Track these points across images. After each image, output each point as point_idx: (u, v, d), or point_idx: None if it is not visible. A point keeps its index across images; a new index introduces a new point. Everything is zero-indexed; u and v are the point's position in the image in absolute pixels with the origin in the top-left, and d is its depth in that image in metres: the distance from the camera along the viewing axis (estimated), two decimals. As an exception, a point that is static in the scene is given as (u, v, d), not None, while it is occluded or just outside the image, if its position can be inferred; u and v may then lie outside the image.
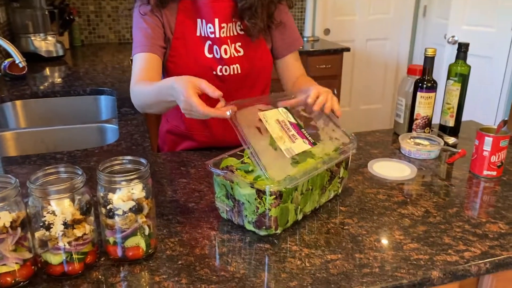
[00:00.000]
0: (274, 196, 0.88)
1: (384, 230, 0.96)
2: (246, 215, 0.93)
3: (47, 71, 2.54)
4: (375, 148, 1.40)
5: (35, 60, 2.68)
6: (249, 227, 0.94)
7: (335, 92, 3.37)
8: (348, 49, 3.33)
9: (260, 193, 0.89)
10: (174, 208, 1.05)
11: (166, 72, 1.34)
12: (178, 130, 1.44)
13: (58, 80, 2.34)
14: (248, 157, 1.00)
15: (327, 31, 3.85)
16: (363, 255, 0.88)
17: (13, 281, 0.78)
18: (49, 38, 2.74)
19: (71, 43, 3.22)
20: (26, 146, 1.65)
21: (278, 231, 0.93)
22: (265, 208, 0.89)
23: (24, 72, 2.27)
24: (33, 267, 0.81)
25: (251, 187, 0.90)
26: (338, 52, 3.31)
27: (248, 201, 0.91)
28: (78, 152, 1.36)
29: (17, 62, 1.63)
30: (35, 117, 2.03)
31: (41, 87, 2.15)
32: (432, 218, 1.01)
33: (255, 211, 0.91)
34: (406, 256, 0.87)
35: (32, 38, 2.70)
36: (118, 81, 2.26)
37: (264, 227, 0.91)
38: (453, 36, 3.19)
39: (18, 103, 2.01)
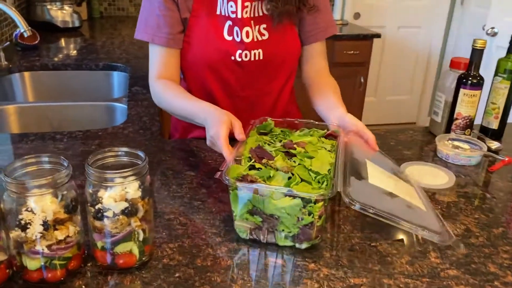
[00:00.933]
0: (322, 202, 0.76)
1: (417, 250, 0.82)
2: (283, 230, 0.78)
3: (61, 42, 2.43)
4: (408, 149, 1.25)
5: (50, 30, 2.58)
6: (285, 242, 0.80)
7: (362, 80, 3.19)
8: (378, 35, 3.14)
9: (304, 201, 0.76)
10: (177, 206, 0.93)
11: (182, 54, 1.20)
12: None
13: (71, 52, 2.23)
14: (254, 161, 0.85)
15: (357, 15, 3.65)
16: (392, 281, 0.74)
17: (-19, 287, 0.67)
18: (66, 7, 2.63)
19: (89, 15, 3.11)
20: (29, 121, 1.55)
21: (320, 239, 0.82)
22: (313, 218, 0.76)
23: (36, 42, 2.17)
24: (7, 270, 0.70)
25: (294, 197, 0.75)
26: (368, 38, 3.12)
27: (288, 214, 0.76)
28: (80, 133, 1.25)
29: (22, 31, 1.51)
30: (43, 91, 1.93)
31: (52, 59, 2.04)
32: (474, 239, 0.87)
33: (296, 223, 0.77)
34: (444, 286, 0.74)
35: (48, 7, 2.59)
36: (134, 57, 2.14)
37: (307, 240, 0.79)
38: (492, 28, 2.96)
39: (27, 74, 1.91)
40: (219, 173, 0.78)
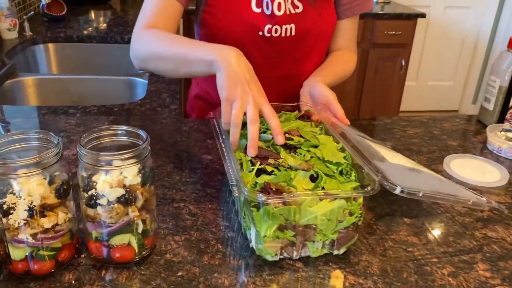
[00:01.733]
0: (362, 198, 0.65)
1: (462, 260, 0.70)
2: (320, 239, 0.66)
3: (89, 14, 2.37)
4: (453, 139, 1.11)
5: (79, 2, 2.52)
6: (321, 252, 0.68)
7: (403, 63, 3.00)
8: (423, 15, 2.92)
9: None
10: (189, 193, 0.83)
11: (201, 26, 1.09)
12: (208, 97, 1.21)
13: (98, 25, 2.16)
14: (260, 164, 0.71)
15: (400, -6, 3.43)
16: (431, 297, 0.63)
17: (-41, 277, 0.60)
18: (97, -21, 2.55)
19: (121, -13, 3.03)
20: (48, 94, 1.49)
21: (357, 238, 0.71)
22: (356, 218, 0.65)
23: (63, 13, 2.11)
24: (-9, 258, 0.63)
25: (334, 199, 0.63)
26: (412, 17, 2.91)
27: (329, 220, 0.64)
28: (95, 108, 1.17)
29: (39, -3, 1.44)
30: (66, 63, 1.88)
31: (78, 31, 1.97)
32: (531, 249, 0.73)
33: (335, 228, 0.65)
34: (495, 307, 0.62)
35: (79, -22, 2.52)
36: (161, 31, 2.04)
37: (346, 243, 0.68)
38: (552, 9, 2.70)
39: (51, 46, 1.85)
40: (235, 189, 0.63)
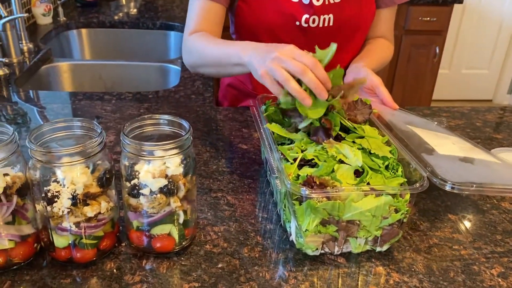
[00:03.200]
0: (409, 195, 0.62)
1: (512, 260, 0.67)
2: (363, 235, 0.64)
3: (121, 0, 2.37)
4: (498, 132, 1.06)
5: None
6: (363, 248, 0.66)
7: (437, 50, 2.90)
8: (460, 1, 2.81)
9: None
10: (226, 183, 0.82)
11: (236, 15, 1.07)
12: (242, 87, 1.19)
13: (129, 10, 2.16)
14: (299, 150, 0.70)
15: (436, -22, 3.31)
16: (480, 298, 0.60)
17: (5, 263, 0.60)
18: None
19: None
20: (82, 79, 1.50)
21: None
22: (402, 215, 0.62)
23: (96, -2, 2.11)
24: (35, 245, 0.63)
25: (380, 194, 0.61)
26: (448, 3, 2.80)
27: (373, 216, 0.62)
28: (130, 95, 1.17)
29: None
30: (99, 49, 1.88)
31: (110, 17, 1.98)
32: None
33: (379, 224, 0.63)
34: (549, 311, 0.59)
35: (110, -38, 2.52)
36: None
37: (390, 240, 0.66)
38: None
39: (84, 31, 1.86)
40: (278, 182, 0.62)
